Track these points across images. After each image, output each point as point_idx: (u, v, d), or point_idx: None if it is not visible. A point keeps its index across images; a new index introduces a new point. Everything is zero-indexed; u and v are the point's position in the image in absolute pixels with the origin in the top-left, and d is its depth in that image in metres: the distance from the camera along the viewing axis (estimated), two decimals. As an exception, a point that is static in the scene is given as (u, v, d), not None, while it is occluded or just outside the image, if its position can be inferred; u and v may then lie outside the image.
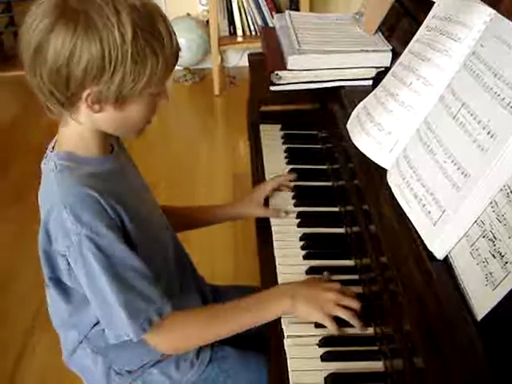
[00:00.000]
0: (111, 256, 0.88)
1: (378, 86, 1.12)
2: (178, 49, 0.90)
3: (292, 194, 1.28)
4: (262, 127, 1.55)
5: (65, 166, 0.90)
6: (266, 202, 1.27)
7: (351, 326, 0.94)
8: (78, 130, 0.92)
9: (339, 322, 0.94)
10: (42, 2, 0.83)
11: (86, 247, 0.87)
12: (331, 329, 0.93)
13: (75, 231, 0.86)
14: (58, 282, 0.97)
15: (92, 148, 0.94)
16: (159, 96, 0.92)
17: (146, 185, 1.10)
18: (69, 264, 0.91)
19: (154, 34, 0.84)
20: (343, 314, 0.94)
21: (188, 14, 3.58)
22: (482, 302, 0.69)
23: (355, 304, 0.95)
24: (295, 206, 1.25)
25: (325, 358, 0.90)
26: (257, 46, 2.39)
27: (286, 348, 0.92)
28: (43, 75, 0.84)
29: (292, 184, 1.30)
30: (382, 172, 1.00)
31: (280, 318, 0.97)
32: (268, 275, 1.10)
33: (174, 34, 0.89)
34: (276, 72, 1.31)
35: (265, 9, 3.47)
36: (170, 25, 0.88)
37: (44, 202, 0.93)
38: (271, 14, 3.42)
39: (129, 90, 0.85)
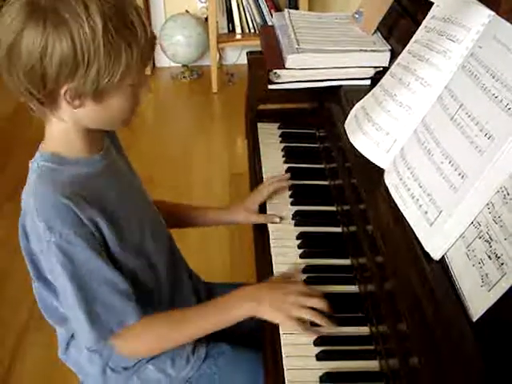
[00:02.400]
0: (79, 264, 0.88)
1: (377, 86, 1.12)
2: (153, 37, 0.90)
3: (289, 192, 1.28)
4: (259, 125, 1.55)
5: (46, 168, 0.90)
6: (264, 204, 1.26)
7: (344, 325, 0.94)
8: (63, 129, 0.91)
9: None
10: (14, 2, 0.83)
11: (54, 254, 0.87)
12: (296, 330, 0.93)
13: (45, 238, 0.87)
14: (45, 280, 0.97)
15: (78, 148, 0.93)
16: (139, 86, 0.92)
17: (139, 184, 1.09)
18: None
19: (126, 25, 0.84)
20: (306, 315, 0.93)
21: (187, 11, 3.57)
22: (478, 303, 0.70)
23: (321, 304, 0.94)
24: (292, 204, 1.25)
25: (320, 356, 0.90)
26: (255, 44, 2.40)
27: (281, 347, 0.92)
28: (19, 74, 0.84)
29: (290, 183, 1.30)
30: (379, 172, 1.00)
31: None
32: (264, 274, 1.10)
33: (149, 24, 0.88)
34: (274, 70, 1.31)
35: (264, 7, 3.47)
36: (143, 15, 0.87)
37: (23, 201, 0.93)
38: (270, 13, 3.42)
39: (106, 82, 0.84)
